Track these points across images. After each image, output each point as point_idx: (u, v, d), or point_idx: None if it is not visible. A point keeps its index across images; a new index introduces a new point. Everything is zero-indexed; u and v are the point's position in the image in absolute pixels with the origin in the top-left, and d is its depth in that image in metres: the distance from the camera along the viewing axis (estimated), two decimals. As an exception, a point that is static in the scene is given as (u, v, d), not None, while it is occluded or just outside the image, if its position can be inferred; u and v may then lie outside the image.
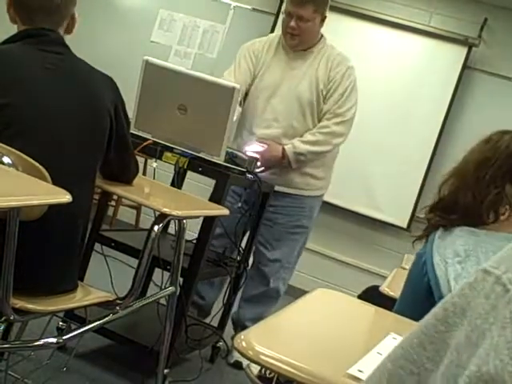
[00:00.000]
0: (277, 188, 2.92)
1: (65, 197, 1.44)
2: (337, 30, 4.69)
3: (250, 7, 5.26)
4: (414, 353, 0.44)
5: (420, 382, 0.44)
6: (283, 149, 2.85)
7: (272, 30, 4.86)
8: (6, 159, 1.54)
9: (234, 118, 2.75)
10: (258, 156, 2.75)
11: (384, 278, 2.31)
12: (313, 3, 2.76)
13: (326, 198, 4.57)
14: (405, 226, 4.76)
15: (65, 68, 1.79)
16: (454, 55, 4.71)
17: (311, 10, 2.77)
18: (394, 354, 0.48)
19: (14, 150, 1.55)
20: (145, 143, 2.47)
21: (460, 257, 1.35)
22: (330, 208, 4.79)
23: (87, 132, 1.79)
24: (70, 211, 1.68)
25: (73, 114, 1.76)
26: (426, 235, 1.51)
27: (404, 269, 2.26)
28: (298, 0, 2.75)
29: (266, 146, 2.83)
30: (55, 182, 1.55)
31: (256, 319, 2.98)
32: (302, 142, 2.86)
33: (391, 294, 1.79)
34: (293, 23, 2.78)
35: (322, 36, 2.94)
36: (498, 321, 0.38)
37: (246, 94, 2.92)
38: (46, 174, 1.55)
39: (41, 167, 1.55)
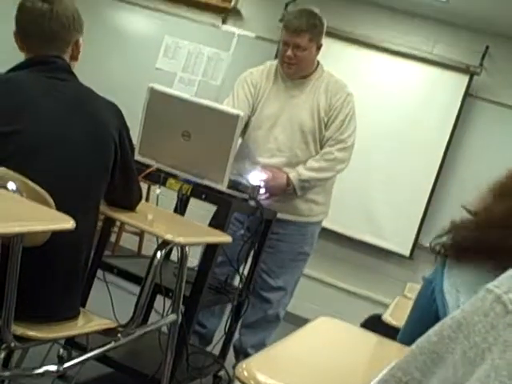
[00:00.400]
0: (281, 216, 2.92)
1: (69, 223, 1.45)
2: (340, 58, 4.74)
3: (253, 35, 5.32)
4: (405, 361, 0.44)
5: None
6: (288, 176, 2.86)
7: (276, 58, 4.91)
8: (10, 185, 1.54)
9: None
10: (262, 184, 2.76)
11: (386, 306, 2.30)
12: (308, 32, 2.81)
13: (329, 225, 4.58)
14: (407, 254, 4.74)
15: (70, 95, 1.81)
16: (456, 83, 4.74)
17: (307, 38, 2.82)
18: (394, 364, 0.48)
19: (18, 175, 1.55)
20: (149, 170, 2.48)
21: (472, 288, 1.31)
22: (332, 235, 4.78)
23: (92, 159, 1.80)
24: (74, 237, 1.68)
25: (78, 141, 1.78)
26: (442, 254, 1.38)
27: (406, 297, 2.25)
28: (294, 29, 2.80)
29: (270, 174, 2.84)
30: (59, 209, 1.55)
31: (258, 345, 2.97)
32: (307, 169, 2.87)
33: (394, 323, 1.78)
34: (289, 52, 2.83)
35: (318, 63, 2.98)
36: (498, 343, 0.38)
37: (245, 125, 2.94)
38: (51, 200, 1.56)
39: (45, 193, 1.56)
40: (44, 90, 1.77)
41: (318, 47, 2.89)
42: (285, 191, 2.89)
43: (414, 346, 0.41)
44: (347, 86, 2.97)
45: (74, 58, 1.91)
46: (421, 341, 0.40)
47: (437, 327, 0.41)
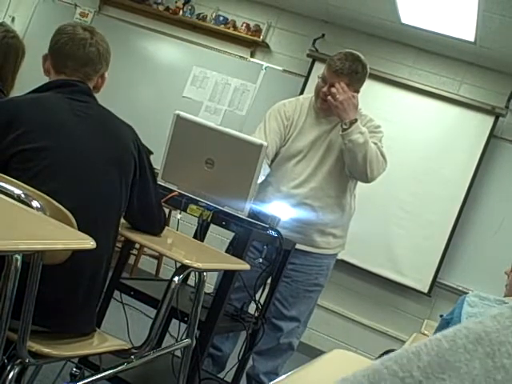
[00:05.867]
0: (298, 246, 2.92)
1: (89, 243, 1.46)
2: (365, 95, 4.76)
3: (280, 68, 5.39)
4: (405, 357, 0.40)
5: None
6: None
7: (301, 92, 4.96)
8: (35, 203, 1.57)
9: (263, 177, 2.78)
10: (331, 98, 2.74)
11: (402, 342, 2.28)
12: (347, 77, 2.81)
13: (348, 259, 4.56)
14: (426, 290, 4.69)
15: (93, 115, 1.88)
16: (481, 124, 4.74)
17: (344, 82, 2.82)
18: (387, 356, 0.44)
19: (43, 194, 1.58)
20: (170, 194, 2.50)
21: None
22: (351, 269, 4.76)
23: (115, 177, 1.86)
24: (96, 253, 1.71)
25: (103, 159, 1.84)
26: None
27: (424, 334, 2.22)
28: (335, 70, 2.80)
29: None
30: (83, 225, 1.58)
31: (270, 372, 2.96)
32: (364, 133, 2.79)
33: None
34: (325, 89, 2.84)
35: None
36: None
37: (276, 155, 2.95)
38: (73, 219, 1.58)
39: (68, 213, 1.58)
40: (68, 110, 1.82)
41: (355, 92, 2.86)
42: (349, 117, 2.77)
43: (419, 345, 0.38)
44: (380, 126, 2.98)
45: (97, 88, 2.00)
46: (428, 343, 0.37)
47: (448, 334, 0.37)
